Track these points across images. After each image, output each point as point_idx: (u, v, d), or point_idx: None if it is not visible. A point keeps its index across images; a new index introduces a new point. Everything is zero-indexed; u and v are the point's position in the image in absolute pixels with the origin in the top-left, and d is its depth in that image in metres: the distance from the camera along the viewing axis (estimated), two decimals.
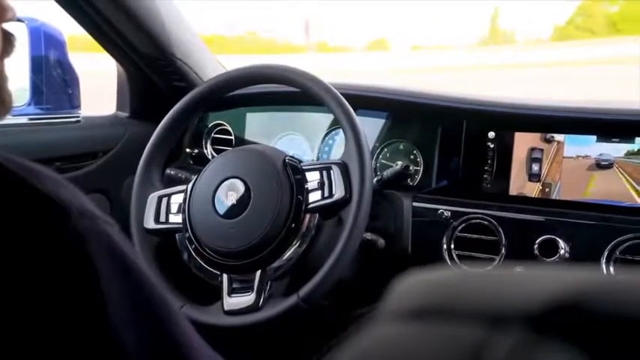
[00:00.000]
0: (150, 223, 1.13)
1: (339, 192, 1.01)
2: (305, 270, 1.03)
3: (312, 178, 1.04)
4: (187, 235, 1.09)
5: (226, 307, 1.03)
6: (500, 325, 0.20)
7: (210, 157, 1.47)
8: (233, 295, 1.04)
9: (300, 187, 1.04)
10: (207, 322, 1.03)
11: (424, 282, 0.25)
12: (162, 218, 1.13)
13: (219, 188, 1.07)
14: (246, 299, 1.02)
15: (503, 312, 0.21)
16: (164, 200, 1.14)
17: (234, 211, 1.05)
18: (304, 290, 0.99)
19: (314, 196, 1.03)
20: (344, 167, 1.03)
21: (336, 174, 1.03)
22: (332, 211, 1.04)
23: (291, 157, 1.09)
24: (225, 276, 1.05)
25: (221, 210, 1.06)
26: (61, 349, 0.40)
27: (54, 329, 0.40)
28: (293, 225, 1.02)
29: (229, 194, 1.05)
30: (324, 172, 1.04)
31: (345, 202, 1.01)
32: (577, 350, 0.19)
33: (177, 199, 1.13)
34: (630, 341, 0.19)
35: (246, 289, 1.04)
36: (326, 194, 1.03)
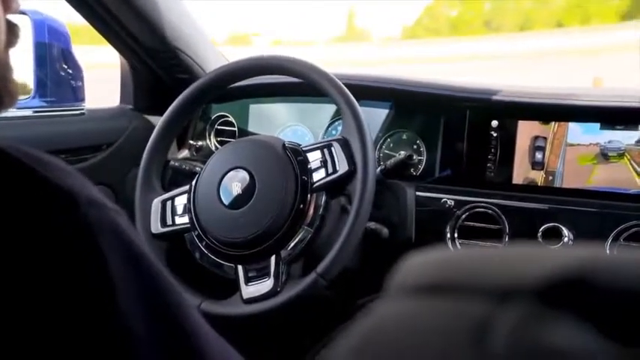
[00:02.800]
0: (157, 228, 1.14)
1: (342, 167, 1.02)
2: (318, 250, 1.03)
3: (314, 157, 1.05)
4: (197, 232, 1.09)
5: (245, 296, 1.03)
6: (507, 299, 0.20)
7: (213, 148, 1.47)
8: (250, 283, 1.04)
9: (303, 168, 1.04)
10: (229, 313, 1.03)
11: (431, 259, 0.26)
12: (169, 221, 1.13)
13: (223, 180, 1.07)
14: (264, 285, 1.02)
15: (510, 286, 0.21)
16: (168, 203, 1.14)
17: (240, 200, 1.05)
18: (321, 266, 0.99)
19: (318, 175, 1.04)
20: (344, 142, 1.03)
21: (337, 150, 1.03)
22: (338, 187, 1.04)
23: (289, 141, 1.09)
24: (240, 267, 1.05)
25: (227, 201, 1.06)
26: (70, 339, 0.40)
27: (63, 317, 0.40)
28: (301, 206, 1.02)
29: (234, 185, 1.06)
30: (325, 150, 1.04)
31: (350, 174, 1.01)
32: (583, 322, 0.19)
33: (181, 201, 1.13)
34: (634, 314, 0.19)
35: (262, 276, 1.03)
36: (330, 171, 1.03)
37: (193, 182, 1.12)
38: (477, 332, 0.20)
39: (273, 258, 1.03)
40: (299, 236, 1.03)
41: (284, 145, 1.06)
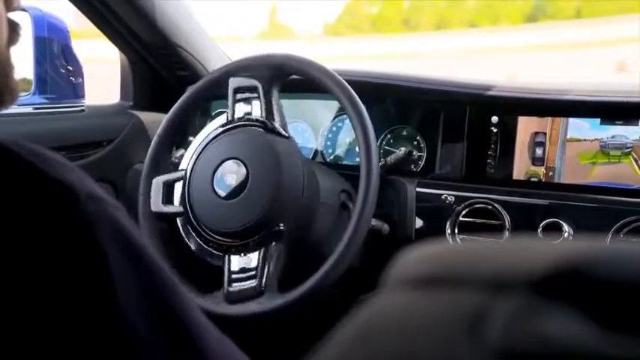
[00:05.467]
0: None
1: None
2: (315, 246, 1.03)
3: None
4: (190, 221, 1.09)
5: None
6: (502, 291, 0.20)
7: None
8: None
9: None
10: (231, 313, 1.03)
11: (427, 253, 0.26)
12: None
13: (217, 171, 1.07)
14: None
15: (505, 278, 0.21)
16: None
17: (234, 191, 1.05)
18: (328, 264, 0.98)
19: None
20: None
21: None
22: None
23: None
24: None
25: (222, 192, 1.06)
26: (70, 334, 0.40)
27: (62, 313, 0.40)
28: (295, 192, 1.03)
29: (228, 176, 1.06)
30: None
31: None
32: (578, 313, 0.19)
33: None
34: (629, 305, 0.19)
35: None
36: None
37: (188, 171, 1.12)
38: (473, 322, 0.20)
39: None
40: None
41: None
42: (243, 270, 1.03)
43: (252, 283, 1.01)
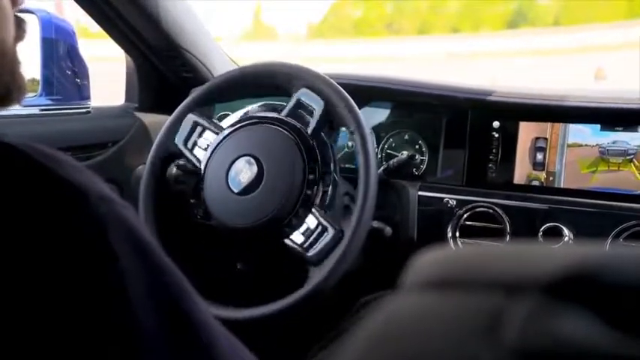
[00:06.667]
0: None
1: None
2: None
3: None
4: (205, 218, 1.11)
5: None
6: (517, 293, 0.21)
7: None
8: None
9: (311, 154, 1.06)
10: (232, 316, 1.04)
11: (442, 257, 0.26)
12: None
13: (232, 168, 1.08)
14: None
15: (520, 281, 0.22)
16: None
17: (249, 187, 1.06)
18: (326, 268, 1.00)
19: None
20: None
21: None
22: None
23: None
24: None
25: (236, 189, 1.07)
26: (81, 333, 0.40)
27: (74, 313, 0.40)
28: (308, 192, 1.04)
29: (242, 172, 1.07)
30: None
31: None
32: (591, 315, 0.20)
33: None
34: (639, 307, 0.20)
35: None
36: None
37: (202, 168, 1.13)
38: (489, 323, 0.21)
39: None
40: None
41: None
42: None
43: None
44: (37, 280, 0.40)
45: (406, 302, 0.25)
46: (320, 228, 1.03)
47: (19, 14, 0.51)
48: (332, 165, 1.09)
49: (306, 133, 1.07)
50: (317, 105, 1.07)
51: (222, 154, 1.11)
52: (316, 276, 1.01)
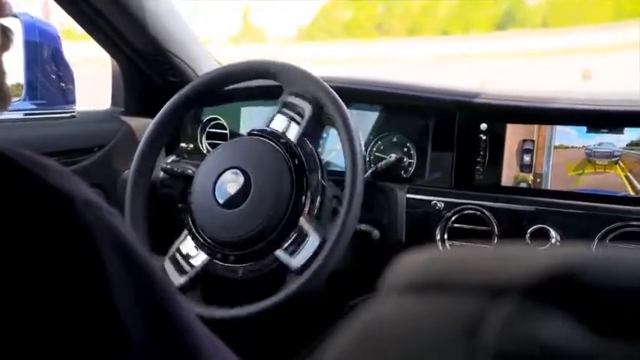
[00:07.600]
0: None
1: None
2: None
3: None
4: (193, 233, 1.11)
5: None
6: (497, 296, 0.21)
7: (205, 151, 1.47)
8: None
9: (297, 163, 1.07)
10: (221, 316, 1.05)
11: (422, 259, 0.26)
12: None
13: (219, 180, 1.09)
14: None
15: (500, 284, 0.22)
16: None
17: (236, 199, 1.07)
18: (310, 270, 1.00)
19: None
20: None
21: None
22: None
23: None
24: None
25: (223, 201, 1.07)
26: (66, 340, 0.40)
27: (60, 319, 0.40)
28: (297, 203, 1.05)
29: (229, 185, 1.07)
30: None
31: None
32: (571, 318, 0.20)
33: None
34: (620, 310, 0.20)
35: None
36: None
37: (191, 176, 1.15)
38: (469, 326, 0.20)
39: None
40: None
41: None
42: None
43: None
44: (22, 288, 0.39)
45: (385, 306, 0.24)
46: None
47: (3, 23, 0.50)
48: (319, 172, 1.09)
49: (292, 142, 1.08)
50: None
51: (209, 168, 1.12)
52: (293, 282, 1.02)
